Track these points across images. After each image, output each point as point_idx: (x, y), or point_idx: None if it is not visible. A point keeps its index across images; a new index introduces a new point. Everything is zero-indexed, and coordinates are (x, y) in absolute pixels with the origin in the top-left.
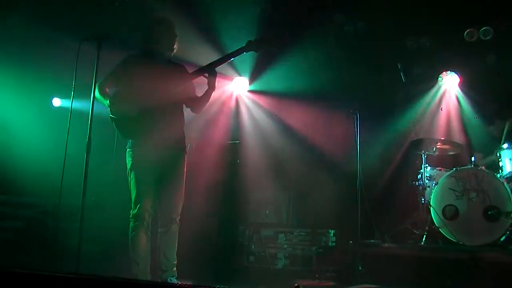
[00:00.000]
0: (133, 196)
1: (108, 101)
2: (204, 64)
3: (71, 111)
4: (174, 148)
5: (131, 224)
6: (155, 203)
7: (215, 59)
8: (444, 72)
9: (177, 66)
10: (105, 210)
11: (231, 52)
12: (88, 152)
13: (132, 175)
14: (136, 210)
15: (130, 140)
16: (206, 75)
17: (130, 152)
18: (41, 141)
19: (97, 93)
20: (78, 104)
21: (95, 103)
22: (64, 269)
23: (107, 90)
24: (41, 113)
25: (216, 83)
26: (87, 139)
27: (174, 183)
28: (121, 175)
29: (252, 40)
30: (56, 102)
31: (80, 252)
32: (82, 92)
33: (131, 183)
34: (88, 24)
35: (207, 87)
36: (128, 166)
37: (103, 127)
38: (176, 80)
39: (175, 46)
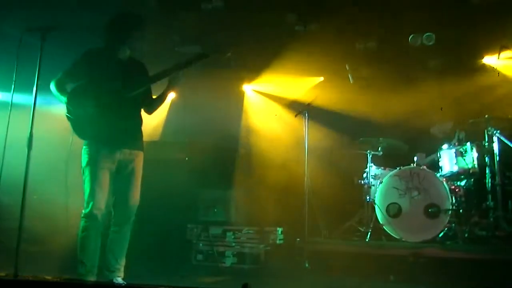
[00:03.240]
0: (86, 195)
1: (65, 98)
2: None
3: (11, 105)
4: (131, 147)
5: (82, 223)
6: (109, 202)
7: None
8: None
9: (138, 64)
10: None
11: (192, 58)
12: (29, 148)
13: (87, 173)
14: (88, 209)
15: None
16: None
17: (86, 149)
18: None
19: (54, 90)
20: (20, 98)
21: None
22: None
23: (65, 86)
24: None
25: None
26: (28, 135)
27: (131, 182)
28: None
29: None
30: None
31: (18, 253)
32: (24, 85)
33: (85, 181)
34: (33, 15)
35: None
36: (83, 163)
37: (54, 122)
38: (136, 78)
39: (138, 43)
